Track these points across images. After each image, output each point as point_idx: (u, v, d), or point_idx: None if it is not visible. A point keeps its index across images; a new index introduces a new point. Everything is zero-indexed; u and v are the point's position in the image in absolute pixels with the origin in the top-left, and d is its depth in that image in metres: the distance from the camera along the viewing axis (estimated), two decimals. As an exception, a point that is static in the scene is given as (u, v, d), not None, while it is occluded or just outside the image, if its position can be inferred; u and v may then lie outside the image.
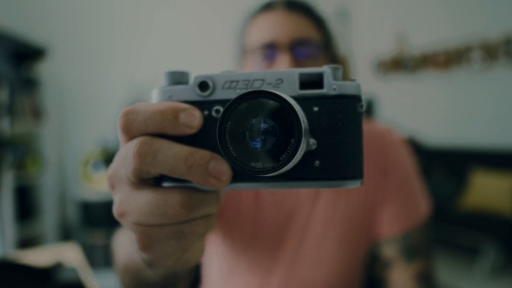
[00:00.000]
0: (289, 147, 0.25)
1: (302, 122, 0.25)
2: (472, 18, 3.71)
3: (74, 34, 3.52)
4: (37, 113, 3.13)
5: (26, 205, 3.10)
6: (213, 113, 0.29)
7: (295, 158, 0.25)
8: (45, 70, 3.21)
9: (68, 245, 1.53)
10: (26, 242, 2.95)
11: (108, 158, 3.29)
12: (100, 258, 3.07)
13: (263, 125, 0.26)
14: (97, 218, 3.11)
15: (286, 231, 0.75)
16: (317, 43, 0.74)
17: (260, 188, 0.29)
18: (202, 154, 0.27)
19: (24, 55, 2.62)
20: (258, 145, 0.26)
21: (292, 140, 0.25)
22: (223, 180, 0.28)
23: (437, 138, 3.97)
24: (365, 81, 4.50)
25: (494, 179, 3.26)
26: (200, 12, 3.90)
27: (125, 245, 0.55)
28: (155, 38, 3.75)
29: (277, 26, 0.72)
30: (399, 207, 0.76)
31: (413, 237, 0.75)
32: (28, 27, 3.12)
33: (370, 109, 4.20)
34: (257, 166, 0.26)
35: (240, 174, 0.28)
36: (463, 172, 3.57)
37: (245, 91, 0.27)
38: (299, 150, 0.25)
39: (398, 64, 4.36)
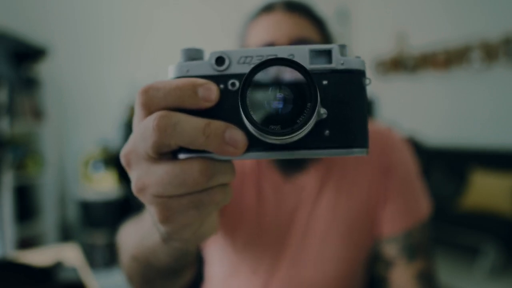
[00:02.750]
0: (305, 111, 0.27)
1: (316, 86, 0.27)
2: (472, 18, 3.71)
3: (74, 34, 3.52)
4: (37, 113, 3.13)
5: (26, 205, 3.10)
6: (229, 87, 0.30)
7: (311, 121, 0.27)
8: (45, 70, 3.21)
9: (68, 245, 1.53)
10: (26, 242, 2.95)
11: (108, 158, 3.29)
12: (100, 258, 3.07)
13: (278, 95, 0.28)
14: (97, 218, 3.11)
15: (288, 230, 0.75)
16: (316, 43, 0.74)
17: (273, 156, 0.30)
18: (217, 124, 0.29)
19: (24, 55, 2.62)
20: (278, 106, 0.28)
21: (309, 105, 0.27)
22: (239, 147, 0.29)
23: (437, 138, 3.97)
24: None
25: (494, 179, 3.26)
26: (200, 12, 3.90)
27: (133, 235, 0.55)
28: (155, 38, 3.75)
29: (276, 27, 0.73)
30: (400, 206, 0.76)
31: (414, 236, 0.76)
32: (28, 27, 3.12)
33: (370, 109, 4.20)
34: (276, 129, 0.27)
35: (255, 143, 0.29)
36: (463, 172, 3.57)
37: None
38: (315, 113, 0.27)
39: (398, 64, 4.36)
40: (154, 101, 0.29)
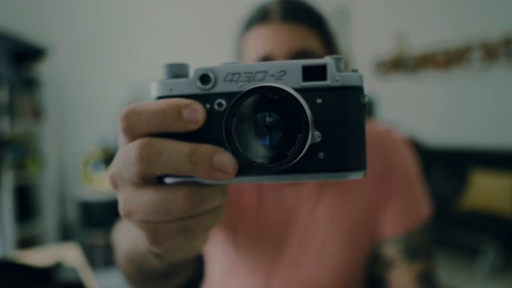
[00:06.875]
0: (296, 143, 0.25)
1: (309, 117, 0.25)
2: (472, 18, 3.71)
3: (74, 34, 3.52)
4: (37, 113, 3.13)
5: (26, 205, 3.10)
6: (216, 107, 0.28)
7: (302, 153, 0.25)
8: (45, 70, 3.21)
9: (68, 245, 1.53)
10: (26, 242, 2.95)
11: (108, 158, 3.29)
12: (100, 258, 3.07)
13: (268, 119, 0.26)
14: (97, 218, 3.11)
15: (288, 230, 0.75)
16: (317, 53, 0.70)
17: (265, 181, 0.28)
18: (204, 149, 0.27)
19: (24, 55, 2.62)
20: (265, 141, 0.26)
21: (299, 136, 0.25)
22: (229, 172, 0.27)
23: (437, 138, 3.97)
24: (365, 81, 4.49)
25: (494, 179, 3.26)
26: (200, 11, 3.90)
27: (127, 235, 0.55)
28: (155, 38, 3.74)
29: (273, 39, 0.68)
30: (401, 207, 0.76)
31: (414, 238, 0.76)
32: (28, 27, 3.12)
33: (370, 109, 4.20)
34: (264, 162, 0.26)
35: (245, 167, 0.27)
36: (463, 172, 3.57)
37: (249, 85, 0.27)
38: (307, 144, 0.25)
39: (398, 64, 4.36)
40: (137, 126, 0.28)
